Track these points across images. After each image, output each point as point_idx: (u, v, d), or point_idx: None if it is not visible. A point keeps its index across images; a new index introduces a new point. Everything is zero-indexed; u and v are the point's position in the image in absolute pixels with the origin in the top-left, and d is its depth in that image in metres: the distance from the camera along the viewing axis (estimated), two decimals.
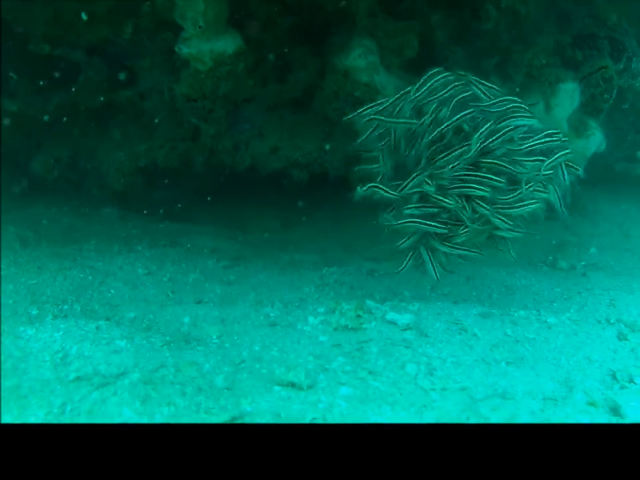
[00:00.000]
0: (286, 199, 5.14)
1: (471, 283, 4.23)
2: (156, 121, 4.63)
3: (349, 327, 3.13)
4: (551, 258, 4.86)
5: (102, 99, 4.65)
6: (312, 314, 3.34)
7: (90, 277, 3.79)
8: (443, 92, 3.20)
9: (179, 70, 4.35)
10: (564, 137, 3.08)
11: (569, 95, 4.29)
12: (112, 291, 3.71)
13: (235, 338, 3.20)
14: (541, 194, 3.18)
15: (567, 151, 3.10)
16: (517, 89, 4.08)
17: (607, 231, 5.40)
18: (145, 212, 5.13)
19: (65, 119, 4.91)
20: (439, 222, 3.21)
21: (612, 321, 3.60)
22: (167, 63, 4.43)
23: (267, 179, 4.80)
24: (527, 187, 3.10)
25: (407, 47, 4.12)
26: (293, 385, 2.69)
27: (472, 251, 3.32)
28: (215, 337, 3.22)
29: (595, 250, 5.00)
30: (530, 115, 3.16)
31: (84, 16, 4.14)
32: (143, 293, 3.76)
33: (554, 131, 3.07)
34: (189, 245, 4.61)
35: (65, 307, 3.41)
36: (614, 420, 2.67)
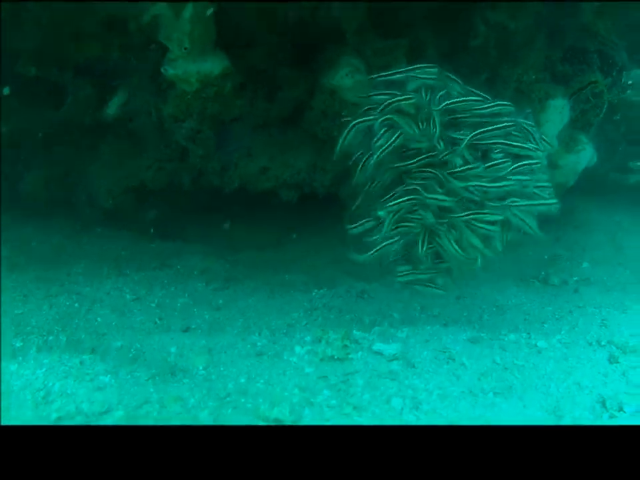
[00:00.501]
0: (277, 215, 5.11)
1: (462, 302, 4.20)
2: (144, 141, 4.60)
3: (335, 357, 3.11)
4: (543, 273, 4.82)
5: (90, 118, 4.61)
6: (299, 343, 3.32)
7: (77, 305, 3.77)
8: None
9: (165, 91, 4.31)
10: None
11: (558, 111, 4.25)
12: (99, 319, 3.68)
13: (222, 369, 3.18)
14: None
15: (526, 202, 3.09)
16: None
17: (599, 244, 5.36)
18: (135, 231, 5.10)
19: (54, 138, 4.88)
20: None
21: (603, 343, 3.57)
22: (155, 83, 4.39)
23: (258, 196, 4.77)
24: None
25: (395, 65, 4.08)
26: (277, 421, 2.68)
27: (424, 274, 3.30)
28: (201, 367, 3.20)
29: (587, 264, 4.97)
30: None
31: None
32: (130, 320, 3.73)
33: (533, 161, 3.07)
34: (178, 267, 4.58)
35: (51, 337, 3.38)
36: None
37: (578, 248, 5.27)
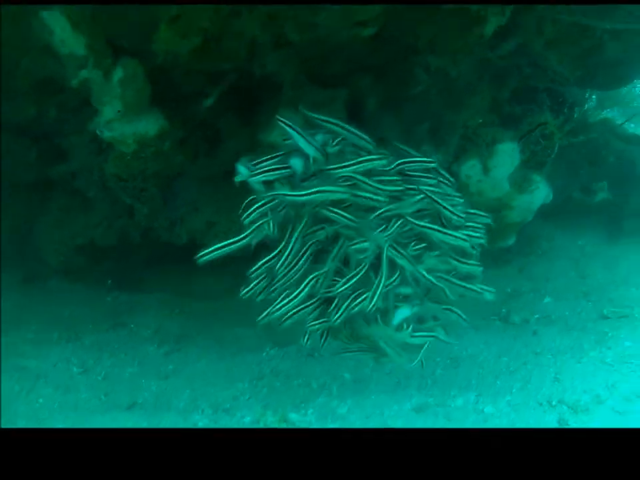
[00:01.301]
0: (232, 263, 5.02)
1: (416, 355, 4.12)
2: (90, 199, 4.51)
3: None
4: (504, 311, 4.76)
5: (32, 178, 4.53)
6: (238, 424, 3.27)
7: (17, 387, 3.68)
8: None
9: (105, 150, 4.22)
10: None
11: (508, 155, 4.14)
12: (41, 400, 3.61)
13: None
14: None
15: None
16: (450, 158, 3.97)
17: (562, 272, 5.28)
18: (91, 283, 5.02)
19: None
20: None
21: (554, 403, 3.52)
22: (95, 142, 4.29)
23: None
24: None
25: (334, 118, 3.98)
26: None
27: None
28: None
29: (549, 299, 4.89)
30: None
31: None
32: (75, 398, 3.67)
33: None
34: (132, 326, 4.51)
35: None
36: None
37: (541, 278, 5.19)
